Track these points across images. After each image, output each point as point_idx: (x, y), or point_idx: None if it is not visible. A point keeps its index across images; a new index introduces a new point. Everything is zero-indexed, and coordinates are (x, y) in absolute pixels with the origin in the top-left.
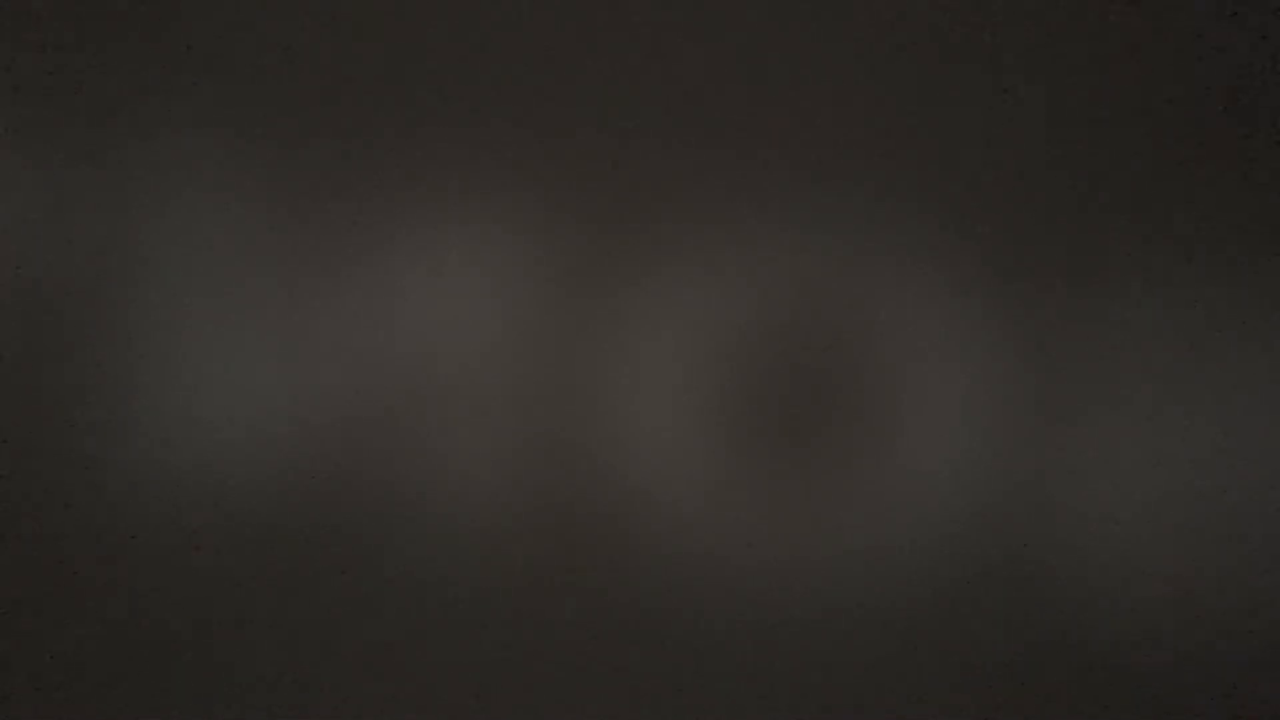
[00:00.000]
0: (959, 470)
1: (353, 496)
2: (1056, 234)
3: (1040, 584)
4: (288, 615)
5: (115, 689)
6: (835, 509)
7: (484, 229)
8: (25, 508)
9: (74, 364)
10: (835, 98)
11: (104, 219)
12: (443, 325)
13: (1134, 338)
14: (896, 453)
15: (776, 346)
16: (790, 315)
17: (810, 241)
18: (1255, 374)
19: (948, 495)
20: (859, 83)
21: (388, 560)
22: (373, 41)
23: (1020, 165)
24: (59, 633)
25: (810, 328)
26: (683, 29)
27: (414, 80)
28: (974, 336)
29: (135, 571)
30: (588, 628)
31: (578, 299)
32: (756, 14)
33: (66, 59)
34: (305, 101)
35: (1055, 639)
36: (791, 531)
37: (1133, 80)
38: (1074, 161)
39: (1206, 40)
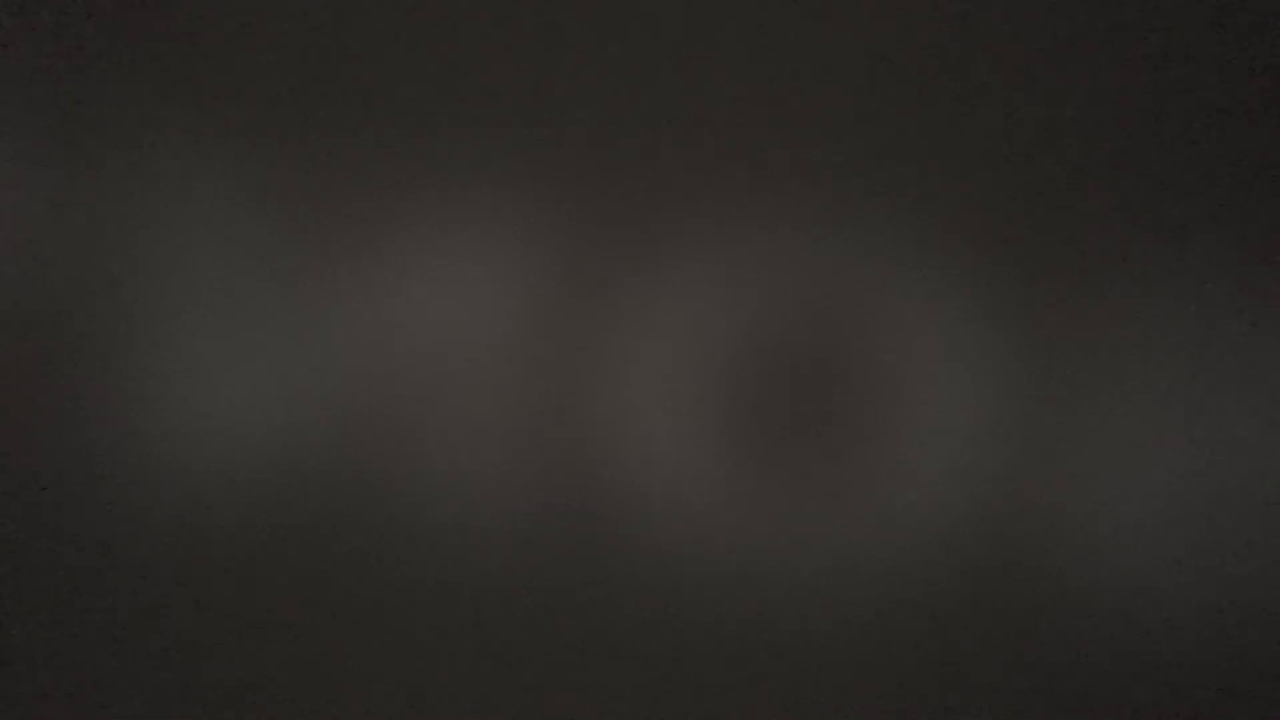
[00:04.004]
0: (959, 471)
1: (354, 498)
2: (1057, 234)
3: (1042, 585)
4: (289, 616)
5: (117, 689)
6: (837, 510)
7: (486, 230)
8: (27, 507)
9: (75, 365)
10: (836, 98)
11: (106, 221)
12: (445, 326)
13: (1134, 338)
14: (898, 453)
15: (778, 347)
16: (792, 316)
17: (811, 241)
18: (1255, 374)
19: (948, 496)
20: (860, 82)
21: (388, 561)
22: (374, 44)
23: (1021, 166)
24: (60, 632)
25: (811, 328)
26: (684, 30)
27: (414, 82)
28: (974, 337)
29: (138, 572)
30: (589, 628)
31: (579, 300)
32: (757, 14)
33: (69, 61)
34: (307, 103)
35: (1056, 639)
36: (793, 532)
37: (1133, 80)
38: (1075, 162)
39: (1207, 40)
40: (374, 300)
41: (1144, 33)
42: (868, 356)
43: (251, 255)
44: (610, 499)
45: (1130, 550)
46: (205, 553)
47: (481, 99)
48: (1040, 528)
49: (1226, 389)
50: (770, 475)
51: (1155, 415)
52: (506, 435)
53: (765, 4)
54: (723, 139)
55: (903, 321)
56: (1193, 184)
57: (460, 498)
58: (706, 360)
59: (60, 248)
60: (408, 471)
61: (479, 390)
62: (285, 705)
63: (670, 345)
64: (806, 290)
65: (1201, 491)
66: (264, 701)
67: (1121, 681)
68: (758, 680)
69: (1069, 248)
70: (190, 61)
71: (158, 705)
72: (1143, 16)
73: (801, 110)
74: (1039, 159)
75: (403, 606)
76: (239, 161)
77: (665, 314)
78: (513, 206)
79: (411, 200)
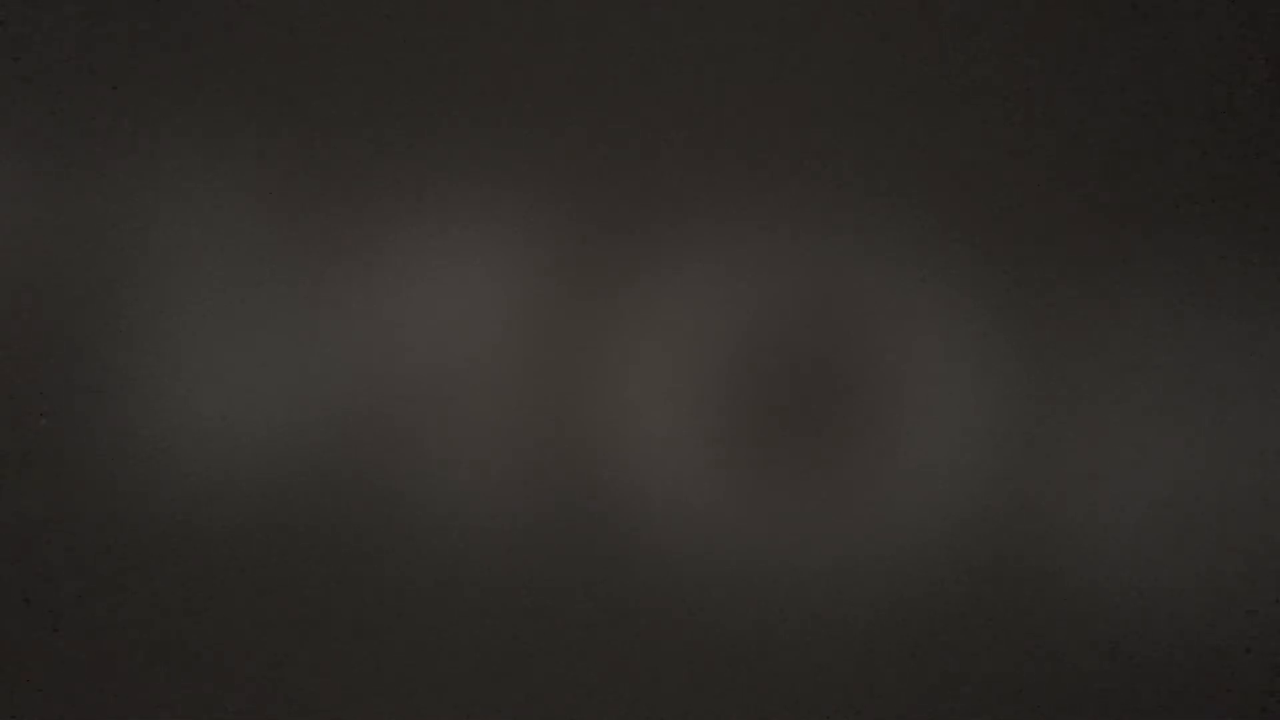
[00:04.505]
0: (960, 471)
1: (354, 498)
2: (1057, 235)
3: (1041, 585)
4: (290, 615)
5: (118, 688)
6: (837, 510)
7: (486, 229)
8: (26, 507)
9: (75, 365)
10: (836, 98)
11: (106, 221)
12: (445, 327)
13: (1134, 338)
14: (898, 454)
15: (778, 347)
16: (792, 315)
17: (811, 242)
18: (1255, 374)
19: (948, 496)
20: (860, 82)
21: (388, 561)
22: (375, 44)
23: (1021, 165)
24: (61, 631)
25: (812, 328)
26: (684, 30)
27: (414, 82)
28: (974, 337)
29: (138, 572)
30: (589, 628)
31: (580, 300)
32: (757, 14)
33: (69, 62)
34: (307, 103)
35: (1056, 639)
36: (793, 532)
37: (1133, 80)
38: (1074, 162)
39: (1206, 40)
40: (374, 300)
41: (1145, 32)
42: (868, 356)
43: (251, 255)
44: (611, 499)
45: (1130, 550)
46: (206, 552)
47: (481, 99)
48: (1040, 528)
49: (1226, 389)
50: (770, 475)
51: (1155, 415)
52: (507, 435)
53: (766, 4)
54: (723, 139)
55: (903, 321)
56: (1193, 184)
57: (460, 498)
58: (707, 360)
59: (60, 247)
60: (408, 471)
61: (479, 390)
62: (285, 704)
63: (670, 345)
64: (806, 290)
65: (1201, 491)
66: (264, 700)
67: (1121, 681)
68: (758, 679)
69: (1069, 248)
70: (190, 62)
71: (158, 705)
72: (1144, 15)
73: (802, 110)
74: (1039, 159)
75: (403, 606)
76: (238, 161)
77: (665, 314)
78: (513, 206)
79: (411, 200)
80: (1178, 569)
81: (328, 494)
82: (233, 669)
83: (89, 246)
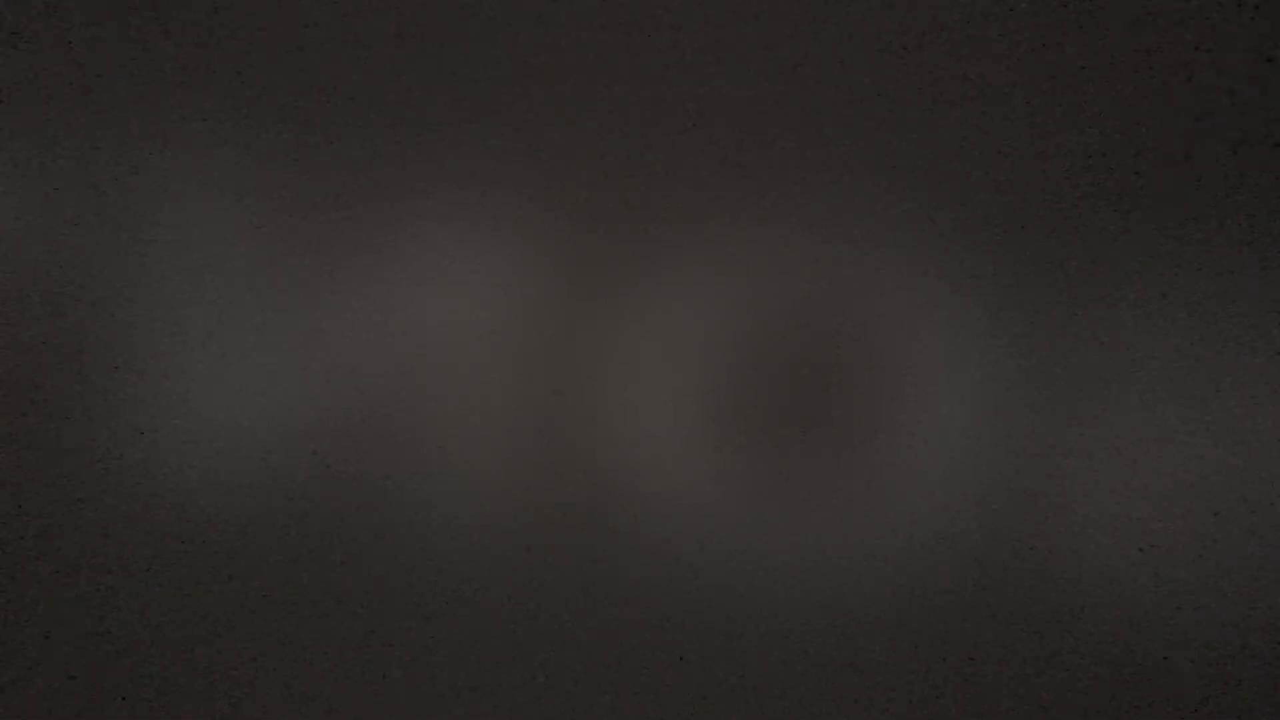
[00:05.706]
0: (960, 470)
1: (354, 499)
2: (1058, 234)
3: (1041, 584)
4: (291, 616)
5: (118, 690)
6: (836, 509)
7: (485, 230)
8: (26, 508)
9: (76, 366)
10: (836, 97)
11: (105, 223)
12: (444, 326)
13: (1134, 338)
14: (898, 453)
15: (777, 347)
16: (791, 315)
17: (811, 241)
18: (1255, 374)
19: (949, 495)
20: (860, 81)
21: (389, 562)
22: (373, 45)
23: (1022, 165)
24: (60, 633)
25: (811, 328)
26: (683, 28)
27: (413, 82)
28: (975, 336)
29: (138, 574)
30: (589, 628)
31: (578, 299)
32: (757, 13)
33: (67, 64)
34: (305, 104)
35: (1056, 638)
36: (793, 531)
37: (1134, 80)
38: (1075, 162)
39: (1206, 40)
40: (374, 301)
41: (1145, 33)
42: (868, 356)
43: (251, 257)
44: (610, 499)
45: (1130, 549)
46: (206, 553)
47: (481, 100)
48: (1040, 528)
49: (1226, 389)
50: (771, 475)
51: (1155, 415)
52: (507, 436)
53: (766, 4)
54: (722, 139)
55: (903, 321)
56: (1193, 184)
57: (460, 498)
58: (707, 360)
59: (61, 250)
60: (408, 473)
61: (479, 391)
62: (286, 704)
63: (671, 345)
64: (807, 290)
65: (1201, 490)
66: (264, 700)
67: (1121, 680)
68: (759, 679)
69: (1069, 247)
70: (190, 64)
71: (159, 705)
72: (1144, 17)
73: (802, 110)
74: (1040, 159)
75: (403, 606)
76: (239, 163)
77: (665, 314)
78: (512, 207)
79: (411, 201)
80: (1178, 568)
81: (328, 495)
82: (233, 669)
83: (90, 249)
